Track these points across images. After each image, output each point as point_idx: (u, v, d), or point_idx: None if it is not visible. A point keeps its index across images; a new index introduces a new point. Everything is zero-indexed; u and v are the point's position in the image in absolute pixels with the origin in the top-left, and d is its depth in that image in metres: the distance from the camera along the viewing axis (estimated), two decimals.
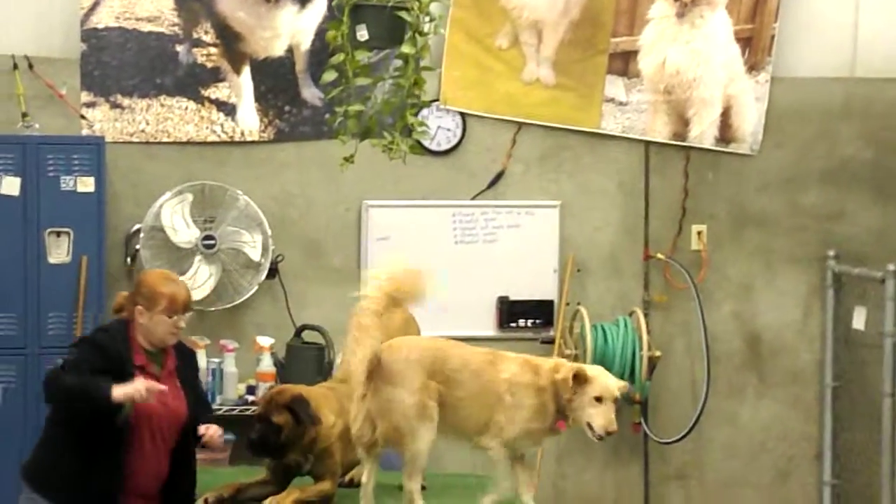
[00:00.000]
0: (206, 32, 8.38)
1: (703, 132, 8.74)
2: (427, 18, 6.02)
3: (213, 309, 8.22)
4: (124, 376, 5.73)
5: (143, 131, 8.34)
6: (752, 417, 8.87)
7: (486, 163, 8.64)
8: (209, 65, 8.39)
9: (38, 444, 5.91)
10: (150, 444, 5.89)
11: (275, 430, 5.68)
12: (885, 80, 8.84)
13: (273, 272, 8.33)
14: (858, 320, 8.60)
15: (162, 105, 8.35)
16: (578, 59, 8.63)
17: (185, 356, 6.11)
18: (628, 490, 8.78)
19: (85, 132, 8.23)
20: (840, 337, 8.76)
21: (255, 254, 8.24)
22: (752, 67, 8.74)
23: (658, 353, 8.54)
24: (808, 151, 8.86)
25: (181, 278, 7.93)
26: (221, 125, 8.41)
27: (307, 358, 7.73)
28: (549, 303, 8.65)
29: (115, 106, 8.29)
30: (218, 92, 8.40)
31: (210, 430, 6.00)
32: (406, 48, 5.97)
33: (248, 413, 8.03)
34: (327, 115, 6.26)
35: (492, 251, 8.61)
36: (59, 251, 7.87)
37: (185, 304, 5.95)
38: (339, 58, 6.01)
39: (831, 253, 8.80)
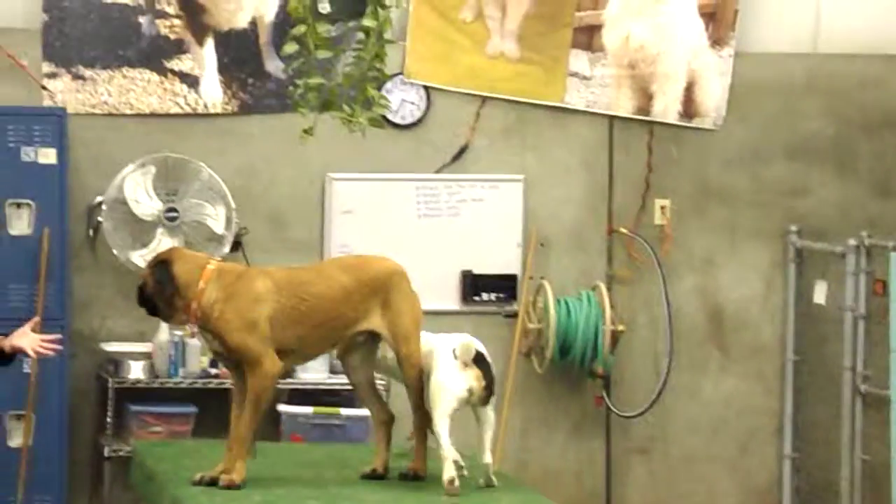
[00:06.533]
0: (169, 3, 8.33)
1: (666, 107, 8.74)
2: None
3: None
4: None
5: (105, 103, 8.30)
6: (714, 392, 8.90)
7: (450, 137, 8.63)
8: (172, 36, 8.35)
9: None
10: None
11: (140, 286, 5.79)
12: (847, 56, 8.85)
13: (237, 245, 8.31)
14: (819, 295, 8.64)
15: (124, 76, 8.31)
16: (543, 32, 8.62)
17: None
18: (590, 464, 8.80)
19: (46, 103, 8.18)
20: (801, 311, 8.80)
21: (218, 226, 8.22)
22: (716, 42, 8.75)
23: (621, 328, 8.55)
24: (771, 127, 8.87)
25: (145, 250, 7.99)
26: (185, 97, 8.38)
27: None
28: (513, 277, 8.66)
29: (77, 77, 8.25)
30: (181, 64, 8.36)
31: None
32: (367, 21, 5.97)
33: (210, 386, 8.05)
34: (290, 88, 6.23)
35: (455, 225, 8.60)
36: (20, 223, 7.85)
37: None
38: (300, 30, 5.99)
39: (793, 228, 8.82)
